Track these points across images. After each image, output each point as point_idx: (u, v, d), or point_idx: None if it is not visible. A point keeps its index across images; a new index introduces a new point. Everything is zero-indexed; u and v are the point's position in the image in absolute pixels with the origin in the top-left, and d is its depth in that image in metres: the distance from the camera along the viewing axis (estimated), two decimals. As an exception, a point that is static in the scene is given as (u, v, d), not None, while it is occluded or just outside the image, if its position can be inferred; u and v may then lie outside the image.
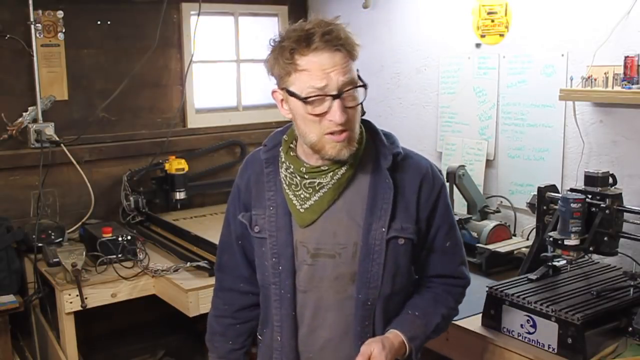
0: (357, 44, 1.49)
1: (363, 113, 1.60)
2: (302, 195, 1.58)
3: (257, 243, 1.66)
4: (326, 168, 1.56)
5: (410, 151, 1.67)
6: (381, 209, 1.56)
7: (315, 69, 1.44)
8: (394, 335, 1.58)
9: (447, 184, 2.84)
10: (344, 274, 1.58)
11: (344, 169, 1.56)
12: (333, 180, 1.56)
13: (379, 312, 1.60)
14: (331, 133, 1.48)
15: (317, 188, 1.57)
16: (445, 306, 1.69)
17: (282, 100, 1.55)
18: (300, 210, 1.58)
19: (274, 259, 1.60)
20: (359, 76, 1.51)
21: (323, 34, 1.44)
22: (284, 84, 1.51)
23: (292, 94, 1.49)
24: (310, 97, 1.45)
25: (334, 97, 1.45)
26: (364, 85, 1.52)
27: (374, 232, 1.56)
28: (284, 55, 1.46)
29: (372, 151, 1.61)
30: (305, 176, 1.57)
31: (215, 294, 1.86)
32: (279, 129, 1.70)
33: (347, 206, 1.58)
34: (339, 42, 1.45)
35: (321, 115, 1.47)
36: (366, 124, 1.64)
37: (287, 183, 1.60)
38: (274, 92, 1.57)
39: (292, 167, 1.59)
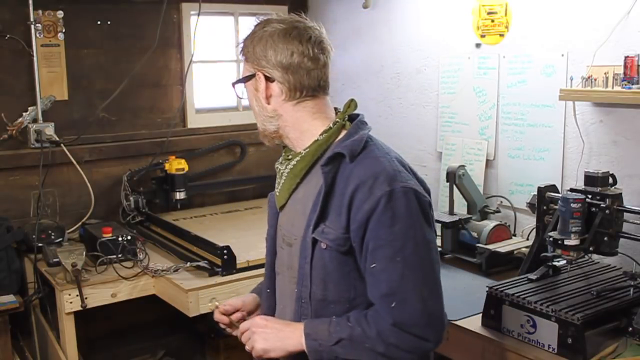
0: (247, 43, 1.61)
1: (360, 109, 1.66)
2: (277, 179, 1.69)
3: None
4: (290, 157, 1.63)
5: (375, 155, 1.53)
6: (315, 209, 1.54)
7: None
8: (298, 323, 1.56)
9: (447, 184, 2.86)
10: (294, 265, 1.62)
11: (295, 160, 1.61)
12: (287, 170, 1.63)
13: (313, 316, 1.56)
14: None
15: (280, 174, 1.67)
16: (361, 328, 1.48)
17: None
18: (277, 193, 1.68)
19: (266, 236, 1.75)
20: (247, 76, 1.64)
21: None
22: None
23: None
24: None
25: None
26: (234, 82, 1.69)
27: (308, 229, 1.55)
28: None
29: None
30: (281, 162, 1.68)
31: None
32: None
33: (303, 198, 1.61)
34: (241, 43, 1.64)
35: None
36: (356, 122, 1.61)
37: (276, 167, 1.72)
38: None
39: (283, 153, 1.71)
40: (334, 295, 1.54)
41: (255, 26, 1.61)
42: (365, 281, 1.52)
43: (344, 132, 1.59)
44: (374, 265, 1.48)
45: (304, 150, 1.59)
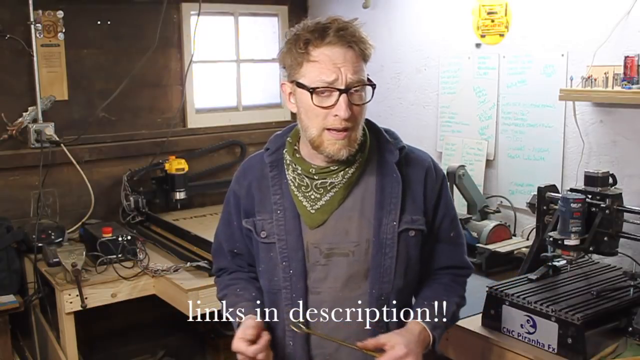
0: (370, 44, 1.52)
1: None
2: (312, 196, 1.59)
3: (263, 249, 1.64)
4: (336, 168, 1.57)
5: (411, 146, 1.70)
6: (390, 204, 1.59)
7: (327, 62, 1.47)
8: (414, 324, 1.59)
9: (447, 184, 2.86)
10: (358, 271, 1.60)
11: (354, 167, 1.58)
12: (344, 180, 1.58)
13: (392, 305, 1.62)
14: (333, 129, 1.50)
15: (328, 188, 1.58)
16: (456, 295, 1.71)
17: (290, 93, 1.57)
18: (311, 211, 1.59)
19: (284, 263, 1.60)
20: (368, 78, 1.53)
21: (338, 29, 1.47)
22: (293, 75, 1.52)
23: (300, 85, 1.50)
24: (318, 87, 1.47)
25: (342, 91, 1.47)
26: (373, 85, 1.54)
27: (385, 226, 1.58)
28: (297, 45, 1.49)
29: (375, 148, 1.63)
30: (315, 177, 1.58)
31: (216, 281, 1.84)
32: (278, 132, 1.70)
33: (357, 204, 1.59)
34: (353, 40, 1.48)
35: (327, 108, 1.49)
36: (367, 123, 1.65)
37: (297, 185, 1.60)
38: (282, 84, 1.59)
39: (299, 168, 1.60)
40: (410, 278, 1.65)
41: (353, 24, 1.50)
42: (430, 255, 1.70)
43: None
44: (452, 233, 1.71)
45: (358, 155, 1.58)
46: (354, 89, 1.49)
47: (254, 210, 1.65)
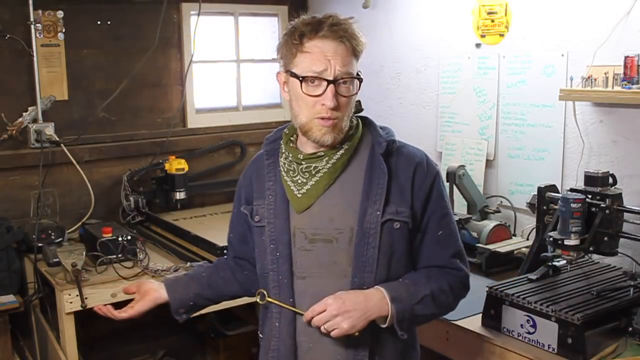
0: (362, 41, 1.61)
1: (360, 110, 1.73)
2: (299, 181, 1.65)
3: (257, 232, 1.72)
4: (322, 154, 1.64)
5: (407, 144, 1.72)
6: (376, 194, 1.62)
7: (318, 53, 1.56)
8: (375, 290, 1.58)
9: (447, 184, 2.87)
10: (341, 259, 1.63)
11: (339, 154, 1.64)
12: (328, 165, 1.64)
13: None
14: (321, 118, 1.59)
15: (313, 172, 1.64)
16: (437, 284, 1.64)
17: (284, 82, 1.66)
18: (298, 195, 1.65)
19: (272, 245, 1.66)
20: (358, 72, 1.62)
21: (332, 24, 1.57)
22: (288, 65, 1.62)
23: (292, 75, 1.60)
24: (307, 76, 1.56)
25: (329, 82, 1.56)
26: (359, 78, 1.62)
27: (369, 216, 1.61)
28: (292, 37, 1.58)
29: (368, 141, 1.69)
30: (303, 162, 1.65)
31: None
32: (281, 127, 1.78)
33: (343, 191, 1.64)
34: (345, 35, 1.58)
35: (315, 97, 1.57)
36: (364, 120, 1.72)
37: (286, 170, 1.68)
38: (278, 74, 1.68)
39: (290, 155, 1.68)
40: (395, 273, 1.64)
41: (347, 21, 1.59)
42: (416, 254, 1.68)
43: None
44: (440, 232, 1.68)
45: (345, 144, 1.64)
46: (342, 80, 1.57)
47: (252, 197, 1.74)
